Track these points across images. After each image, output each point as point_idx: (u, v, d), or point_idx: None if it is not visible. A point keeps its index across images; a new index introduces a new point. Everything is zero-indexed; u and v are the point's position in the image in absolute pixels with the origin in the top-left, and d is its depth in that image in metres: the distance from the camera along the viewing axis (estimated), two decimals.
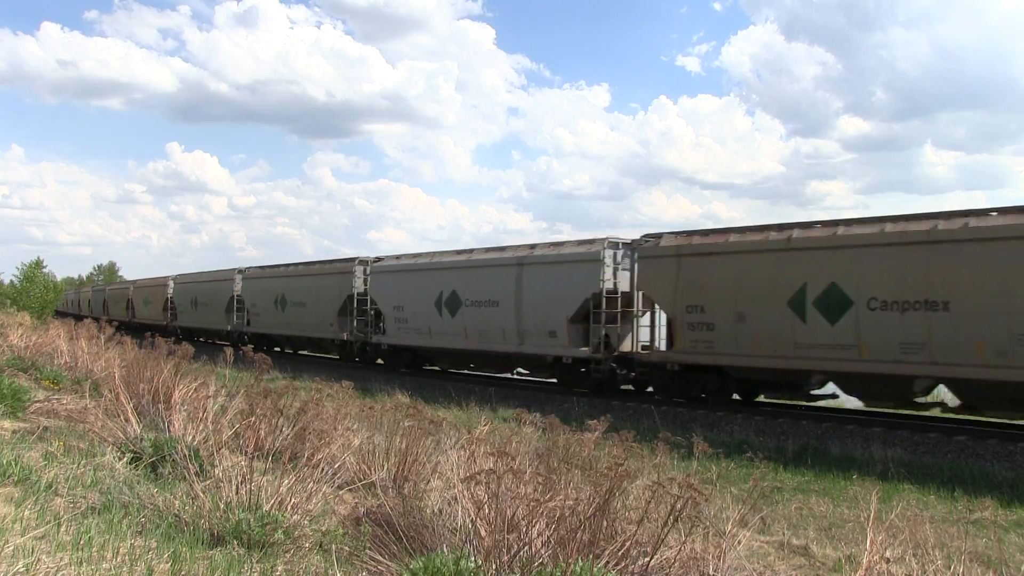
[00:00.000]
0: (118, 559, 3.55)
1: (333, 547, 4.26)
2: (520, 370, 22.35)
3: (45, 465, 5.26)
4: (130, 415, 6.43)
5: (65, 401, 8.60)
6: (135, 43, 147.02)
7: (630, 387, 19.62)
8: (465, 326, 22.05)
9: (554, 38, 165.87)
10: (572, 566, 3.51)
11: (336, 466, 5.78)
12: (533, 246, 21.21)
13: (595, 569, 3.57)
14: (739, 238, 16.48)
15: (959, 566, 4.42)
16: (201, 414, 6.69)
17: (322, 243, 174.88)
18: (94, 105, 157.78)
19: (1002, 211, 13.26)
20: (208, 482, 4.83)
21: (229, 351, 10.10)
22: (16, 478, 4.77)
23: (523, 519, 3.79)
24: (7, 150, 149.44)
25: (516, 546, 3.75)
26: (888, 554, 4.30)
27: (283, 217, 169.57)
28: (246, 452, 5.32)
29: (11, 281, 47.15)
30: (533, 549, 3.80)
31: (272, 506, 4.48)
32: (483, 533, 3.82)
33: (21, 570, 3.17)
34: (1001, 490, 10.61)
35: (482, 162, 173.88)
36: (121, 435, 6.17)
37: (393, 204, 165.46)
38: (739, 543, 4.60)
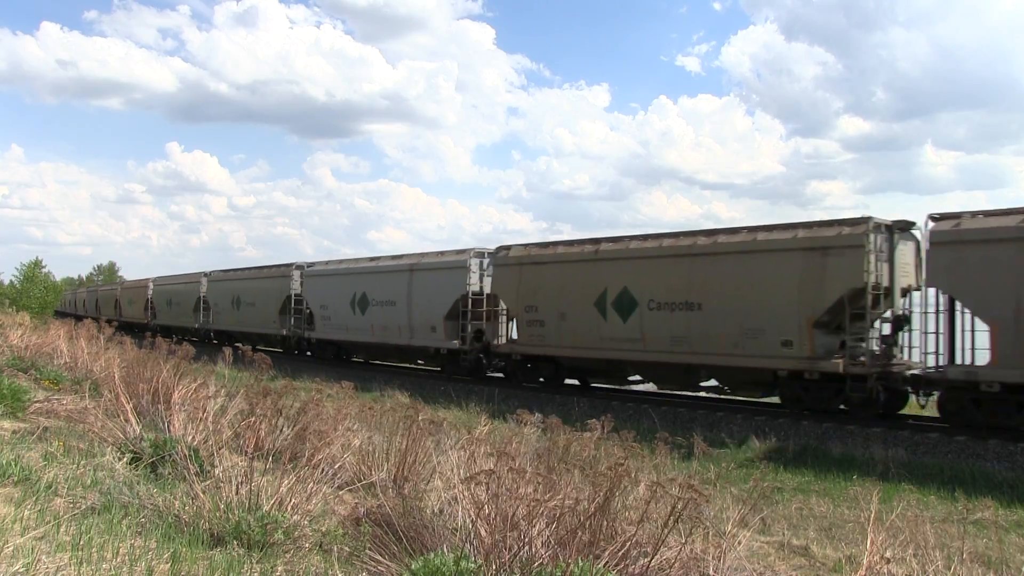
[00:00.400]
0: (118, 559, 3.55)
1: (333, 547, 4.26)
2: (419, 361, 25.80)
3: (45, 465, 5.25)
4: (130, 415, 6.42)
5: (65, 401, 8.59)
6: (135, 43, 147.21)
7: (500, 374, 22.71)
8: (372, 323, 25.87)
9: (554, 38, 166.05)
10: (572, 566, 3.51)
11: (336, 466, 5.77)
12: (424, 255, 24.90)
13: (595, 569, 3.56)
14: (564, 250, 19.84)
15: (959, 566, 4.42)
16: (201, 414, 6.68)
17: (322, 243, 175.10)
18: (94, 105, 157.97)
19: (750, 230, 16.11)
20: (208, 482, 4.81)
21: (228, 351, 10.11)
22: (16, 478, 4.76)
23: (523, 519, 3.79)
24: (7, 150, 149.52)
25: (516, 546, 3.74)
26: (888, 554, 4.29)
27: (283, 217, 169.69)
28: (246, 452, 5.32)
29: (11, 281, 47.32)
30: (533, 549, 3.80)
31: (272, 506, 4.47)
32: (483, 533, 3.81)
33: (21, 570, 3.17)
34: (1001, 490, 10.62)
35: (482, 162, 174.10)
36: (121, 435, 6.16)
37: (393, 204, 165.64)
38: (739, 543, 4.60)
